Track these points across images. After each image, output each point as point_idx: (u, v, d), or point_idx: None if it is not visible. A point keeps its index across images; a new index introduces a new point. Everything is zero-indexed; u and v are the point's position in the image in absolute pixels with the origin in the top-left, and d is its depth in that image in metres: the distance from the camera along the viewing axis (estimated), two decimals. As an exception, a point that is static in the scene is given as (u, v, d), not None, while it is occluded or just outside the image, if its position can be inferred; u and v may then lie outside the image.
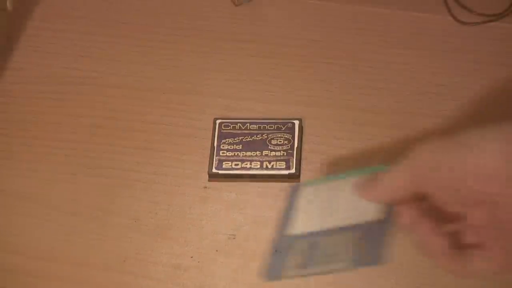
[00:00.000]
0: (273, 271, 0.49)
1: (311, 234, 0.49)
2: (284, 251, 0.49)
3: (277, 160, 0.59)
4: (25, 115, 0.65)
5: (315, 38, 0.72)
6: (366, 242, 0.48)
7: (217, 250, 0.56)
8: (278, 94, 0.66)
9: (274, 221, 0.57)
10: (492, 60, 0.69)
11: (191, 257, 0.56)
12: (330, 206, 0.50)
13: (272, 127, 0.61)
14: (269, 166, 0.59)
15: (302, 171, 0.60)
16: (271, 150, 0.60)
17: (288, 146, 0.60)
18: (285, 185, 0.59)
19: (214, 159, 0.60)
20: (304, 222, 0.50)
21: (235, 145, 0.60)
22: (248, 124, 0.62)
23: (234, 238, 0.57)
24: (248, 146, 0.60)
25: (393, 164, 0.45)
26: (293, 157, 0.60)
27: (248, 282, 0.54)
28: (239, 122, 0.62)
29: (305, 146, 0.61)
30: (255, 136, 0.61)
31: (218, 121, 0.62)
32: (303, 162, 0.60)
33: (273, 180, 0.59)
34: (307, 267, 0.48)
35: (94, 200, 0.59)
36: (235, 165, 0.59)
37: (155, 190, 0.61)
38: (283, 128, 0.61)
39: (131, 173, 0.61)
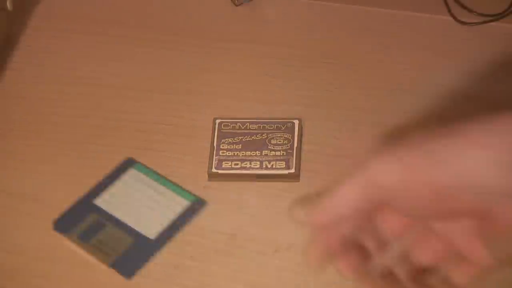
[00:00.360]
0: (62, 225, 0.56)
1: (106, 214, 0.56)
2: (82, 215, 0.56)
3: (276, 160, 0.59)
4: (25, 115, 0.65)
5: (315, 38, 0.72)
6: (128, 250, 0.55)
7: (216, 250, 0.56)
8: (278, 94, 0.66)
9: (275, 220, 0.57)
10: (492, 60, 0.69)
11: (191, 256, 0.56)
12: (135, 201, 0.57)
13: (271, 126, 0.61)
14: (269, 166, 0.59)
15: (301, 171, 0.60)
16: (271, 150, 0.60)
17: (287, 146, 0.60)
18: (285, 184, 0.59)
19: (214, 159, 0.60)
20: (112, 200, 0.57)
21: (234, 145, 0.60)
22: (248, 124, 0.62)
23: (234, 238, 0.57)
24: (248, 146, 0.60)
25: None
26: (293, 156, 0.60)
27: (248, 282, 0.54)
28: (238, 122, 0.62)
29: (304, 147, 0.61)
30: (254, 135, 0.61)
31: (217, 121, 0.62)
32: (302, 162, 0.60)
33: (273, 179, 0.59)
34: (84, 240, 0.55)
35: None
36: (235, 164, 0.59)
37: (155, 190, 0.61)
38: (283, 128, 0.61)
39: (131, 173, 0.61)
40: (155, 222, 0.56)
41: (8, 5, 0.70)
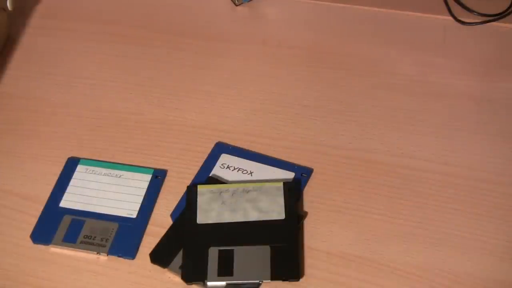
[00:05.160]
0: (40, 236, 0.55)
1: (80, 212, 0.57)
2: (54, 220, 0.56)
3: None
4: (26, 114, 0.65)
5: (315, 38, 0.72)
6: (118, 234, 0.55)
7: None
8: (278, 94, 0.66)
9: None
10: (492, 60, 0.69)
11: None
12: (100, 191, 0.58)
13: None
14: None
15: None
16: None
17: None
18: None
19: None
20: (77, 198, 0.57)
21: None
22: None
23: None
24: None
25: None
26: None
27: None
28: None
29: (306, 146, 0.61)
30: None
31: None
32: (304, 163, 0.60)
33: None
34: (71, 241, 0.55)
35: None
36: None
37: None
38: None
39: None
40: (130, 203, 0.57)
41: (8, 5, 0.70)
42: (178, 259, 0.53)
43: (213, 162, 0.60)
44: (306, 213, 0.56)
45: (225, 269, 0.52)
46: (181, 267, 0.53)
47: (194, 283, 0.52)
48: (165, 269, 0.53)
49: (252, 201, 0.56)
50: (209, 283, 0.51)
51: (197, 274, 0.52)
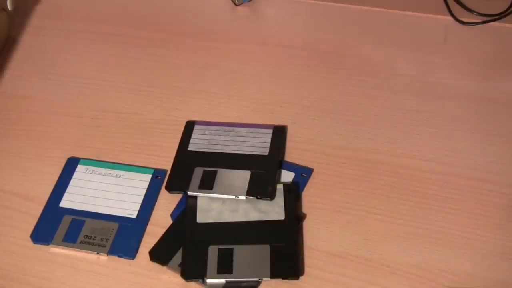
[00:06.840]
0: (40, 236, 0.55)
1: (79, 212, 0.56)
2: (54, 220, 0.56)
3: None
4: (26, 114, 0.65)
5: (315, 38, 0.72)
6: (118, 234, 0.55)
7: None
8: (278, 94, 0.66)
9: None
10: (492, 60, 0.69)
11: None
12: (99, 191, 0.58)
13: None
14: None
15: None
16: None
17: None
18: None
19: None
20: (77, 198, 0.57)
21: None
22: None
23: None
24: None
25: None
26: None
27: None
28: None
29: (305, 146, 0.61)
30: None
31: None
32: (303, 162, 0.60)
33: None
34: (71, 241, 0.55)
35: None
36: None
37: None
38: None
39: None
40: (130, 203, 0.57)
41: (8, 5, 0.70)
42: (177, 257, 0.53)
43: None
44: (305, 215, 0.56)
45: (225, 267, 0.52)
46: (181, 265, 0.53)
47: (194, 281, 0.52)
48: (165, 269, 0.53)
49: (252, 201, 0.56)
50: (208, 281, 0.51)
51: (196, 272, 0.52)
